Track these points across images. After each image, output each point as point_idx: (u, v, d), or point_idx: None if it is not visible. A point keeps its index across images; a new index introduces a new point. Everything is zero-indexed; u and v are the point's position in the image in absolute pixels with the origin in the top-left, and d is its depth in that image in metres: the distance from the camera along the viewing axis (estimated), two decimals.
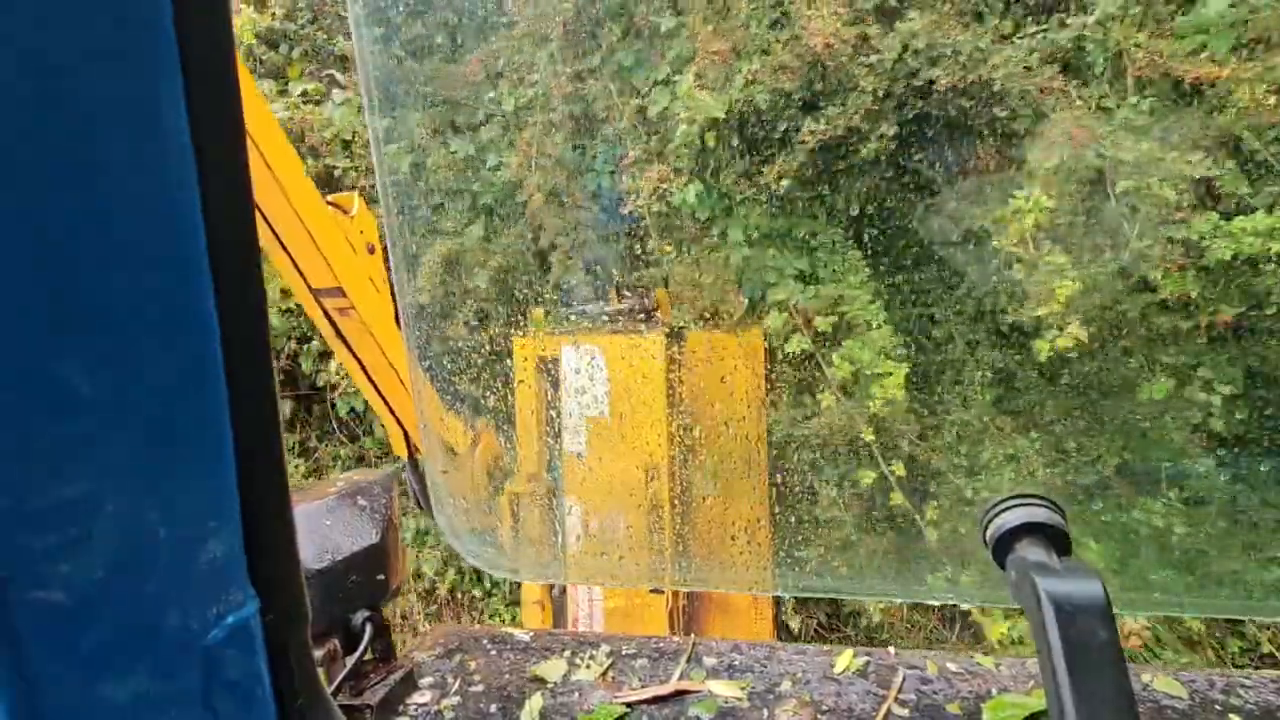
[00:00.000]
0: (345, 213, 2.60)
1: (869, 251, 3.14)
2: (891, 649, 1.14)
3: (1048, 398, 2.90)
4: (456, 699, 1.10)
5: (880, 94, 2.87)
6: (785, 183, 3.03)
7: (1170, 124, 2.55)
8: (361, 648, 1.04)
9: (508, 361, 2.83)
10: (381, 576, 1.08)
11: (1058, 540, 0.75)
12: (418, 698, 1.11)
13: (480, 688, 1.12)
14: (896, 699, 1.03)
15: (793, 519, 2.95)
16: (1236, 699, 1.00)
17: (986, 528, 0.79)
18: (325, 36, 5.35)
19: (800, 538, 2.97)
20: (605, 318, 3.02)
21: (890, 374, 2.80)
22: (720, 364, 2.96)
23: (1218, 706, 0.99)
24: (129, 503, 0.42)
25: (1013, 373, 2.92)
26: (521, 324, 3.02)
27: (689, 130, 3.00)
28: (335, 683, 1.02)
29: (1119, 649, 0.65)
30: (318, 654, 1.01)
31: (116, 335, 0.40)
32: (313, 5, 5.41)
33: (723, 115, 2.96)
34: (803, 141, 2.96)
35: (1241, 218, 2.40)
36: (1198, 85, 2.46)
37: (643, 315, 3.01)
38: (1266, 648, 3.26)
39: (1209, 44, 2.44)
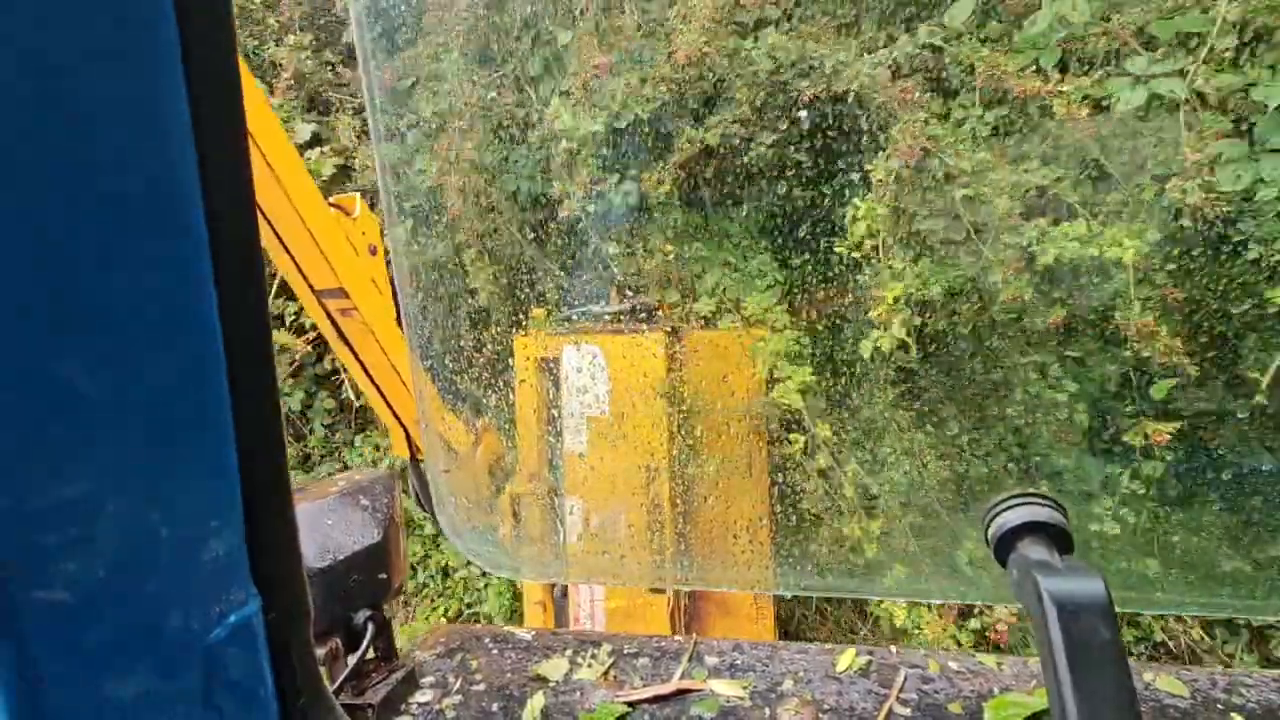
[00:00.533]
0: (347, 214, 2.60)
1: (775, 255, 3.27)
2: (894, 648, 1.15)
3: (897, 398, 3.03)
4: (458, 698, 1.10)
5: (756, 104, 3.04)
6: (664, 190, 3.19)
7: (1010, 134, 2.72)
8: (363, 647, 1.04)
9: (509, 361, 2.83)
10: (383, 575, 1.08)
11: (1060, 539, 0.75)
12: (419, 697, 1.11)
13: (482, 687, 1.12)
14: (898, 698, 1.03)
15: (793, 517, 2.96)
16: (1239, 698, 1.00)
17: (988, 526, 0.79)
18: (256, 43, 5.32)
19: (800, 536, 2.99)
20: (607, 316, 3.02)
21: (790, 377, 2.90)
22: (721, 362, 2.97)
23: (1219, 706, 0.99)
24: (130, 502, 0.42)
25: (869, 374, 3.03)
26: (523, 324, 3.03)
27: (570, 140, 3.18)
28: (337, 682, 1.02)
29: (1121, 648, 0.65)
30: (319, 653, 1.01)
31: (117, 335, 0.40)
32: (243, 11, 5.35)
33: (600, 127, 3.13)
34: (682, 149, 3.13)
35: (1066, 224, 2.54)
36: (1028, 98, 2.63)
37: (644, 314, 3.02)
38: (1159, 636, 3.31)
39: (1041, 60, 2.60)
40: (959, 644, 3.40)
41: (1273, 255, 2.29)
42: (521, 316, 3.13)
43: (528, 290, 3.42)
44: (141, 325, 0.41)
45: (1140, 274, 2.45)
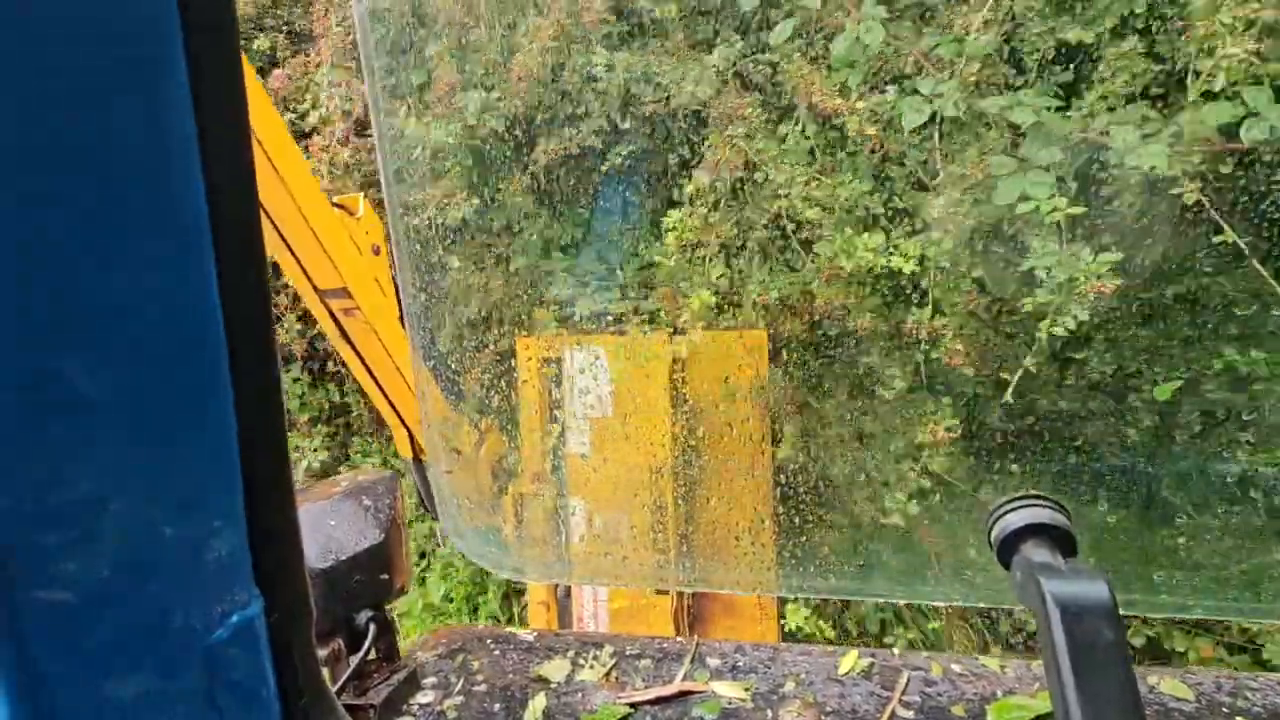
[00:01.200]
0: (351, 214, 2.61)
1: (629, 261, 3.36)
2: (895, 650, 1.14)
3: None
4: (460, 699, 1.10)
5: (608, 117, 3.17)
6: (519, 199, 3.32)
7: (826, 148, 2.84)
8: (365, 647, 1.05)
9: (511, 362, 2.84)
10: (385, 576, 1.08)
11: (1063, 541, 0.75)
12: (421, 698, 1.11)
13: (483, 688, 1.12)
14: (901, 700, 1.03)
15: (796, 519, 2.97)
16: (1243, 701, 1.00)
17: (991, 529, 0.79)
18: None
19: (803, 538, 3.00)
20: (609, 317, 3.03)
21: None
22: (724, 363, 2.97)
23: (1224, 709, 0.98)
24: (132, 502, 0.42)
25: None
26: (525, 324, 3.04)
27: (421, 154, 3.27)
28: (339, 682, 1.02)
29: (1125, 650, 0.65)
30: (321, 653, 1.02)
31: (119, 335, 0.40)
32: None
33: (451, 140, 3.22)
34: (536, 161, 3.24)
35: (867, 234, 2.65)
36: (835, 114, 2.73)
37: (647, 314, 3.02)
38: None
39: (849, 79, 2.69)
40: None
41: (1034, 265, 2.39)
42: (525, 318, 3.14)
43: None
44: (142, 324, 0.41)
45: (952, 281, 2.59)
